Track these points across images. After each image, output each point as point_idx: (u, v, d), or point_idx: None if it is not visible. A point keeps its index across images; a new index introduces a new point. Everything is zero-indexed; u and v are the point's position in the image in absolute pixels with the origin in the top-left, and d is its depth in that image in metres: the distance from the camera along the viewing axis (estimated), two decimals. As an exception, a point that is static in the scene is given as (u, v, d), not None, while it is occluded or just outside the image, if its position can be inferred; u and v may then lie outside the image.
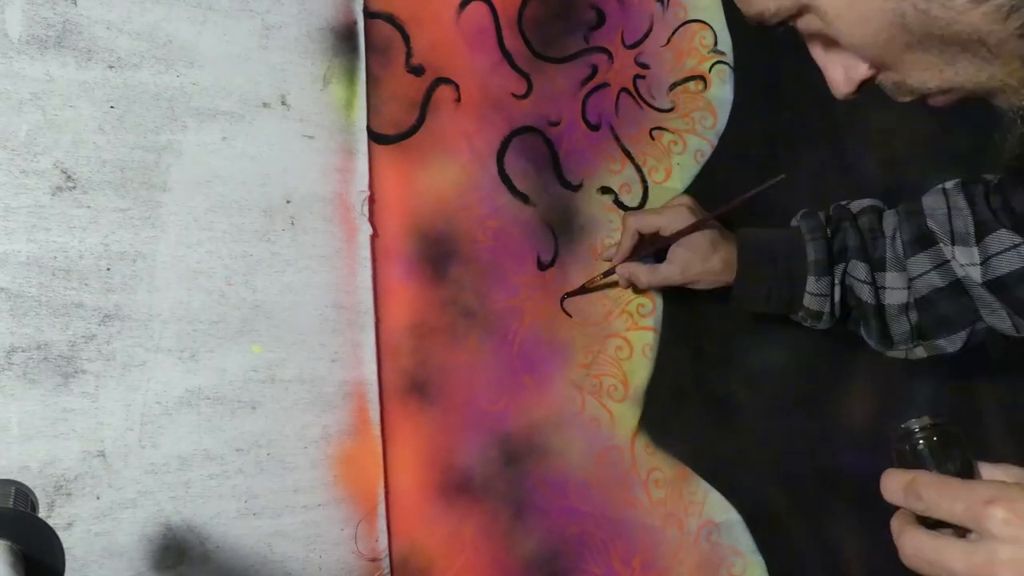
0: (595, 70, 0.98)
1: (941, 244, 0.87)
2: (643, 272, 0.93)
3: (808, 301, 0.92)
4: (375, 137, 0.84)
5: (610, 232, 0.98)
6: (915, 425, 0.63)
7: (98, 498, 0.69)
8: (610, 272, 0.95)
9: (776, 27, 0.60)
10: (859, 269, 0.92)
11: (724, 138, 1.06)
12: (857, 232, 0.93)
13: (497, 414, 0.89)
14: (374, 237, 0.83)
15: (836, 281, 0.92)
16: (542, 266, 0.93)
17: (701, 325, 1.03)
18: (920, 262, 0.89)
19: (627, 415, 0.97)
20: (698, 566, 0.99)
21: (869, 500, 1.12)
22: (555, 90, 0.95)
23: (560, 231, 0.95)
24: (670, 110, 1.03)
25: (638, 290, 0.97)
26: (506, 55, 0.92)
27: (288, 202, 0.79)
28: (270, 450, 0.77)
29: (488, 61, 0.91)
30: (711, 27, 1.06)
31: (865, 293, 0.92)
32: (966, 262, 0.85)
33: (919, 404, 1.18)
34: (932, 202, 0.90)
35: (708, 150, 1.05)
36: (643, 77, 1.01)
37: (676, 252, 0.93)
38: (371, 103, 0.84)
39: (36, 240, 0.69)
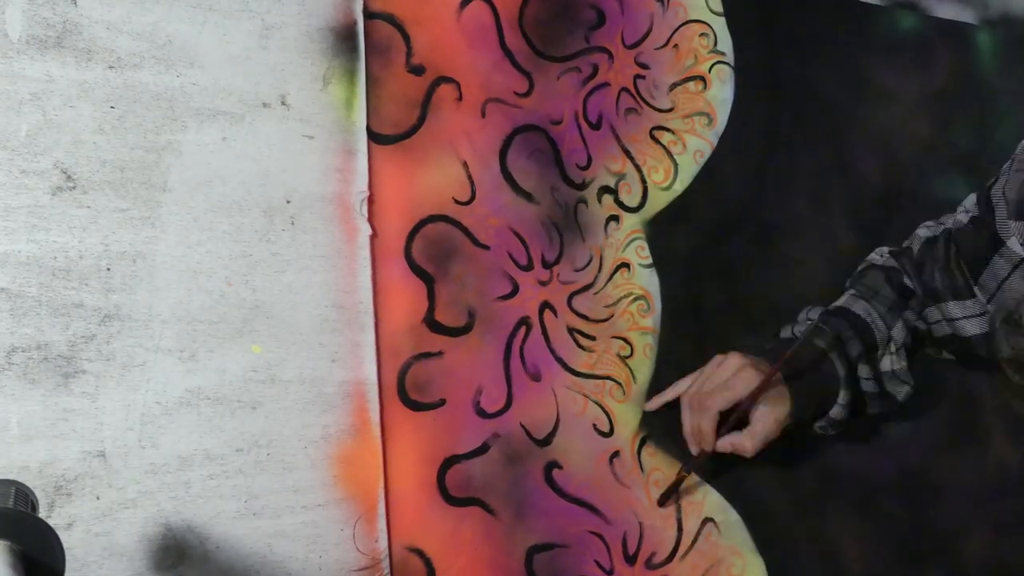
0: (596, 69, 0.98)
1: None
2: (747, 441, 0.91)
3: (835, 412, 0.98)
4: (375, 137, 0.84)
5: (612, 232, 0.98)
6: None
7: (98, 498, 0.69)
8: (697, 460, 0.93)
9: None
10: (864, 370, 1.00)
11: (724, 138, 1.06)
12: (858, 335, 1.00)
13: (498, 414, 0.89)
14: (373, 237, 0.83)
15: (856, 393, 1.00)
16: (546, 264, 0.93)
17: (701, 325, 1.03)
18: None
19: (629, 416, 0.97)
20: (698, 566, 0.99)
21: (869, 500, 1.12)
22: (556, 89, 0.95)
23: (565, 229, 0.95)
24: (670, 110, 1.02)
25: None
26: (507, 54, 0.92)
27: (288, 202, 0.79)
28: (270, 450, 0.77)
29: (489, 60, 0.91)
30: (711, 27, 1.06)
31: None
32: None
33: (919, 405, 1.18)
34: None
35: (708, 150, 1.05)
36: (643, 77, 1.01)
37: (759, 412, 0.92)
38: (371, 103, 0.84)
39: (36, 240, 0.69)
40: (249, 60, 0.78)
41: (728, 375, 0.92)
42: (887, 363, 1.00)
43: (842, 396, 0.97)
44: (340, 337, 0.81)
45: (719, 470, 0.99)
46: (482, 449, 0.87)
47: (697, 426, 0.92)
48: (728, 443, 0.92)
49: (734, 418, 0.91)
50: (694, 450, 0.94)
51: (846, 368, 0.97)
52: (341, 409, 0.80)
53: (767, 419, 0.92)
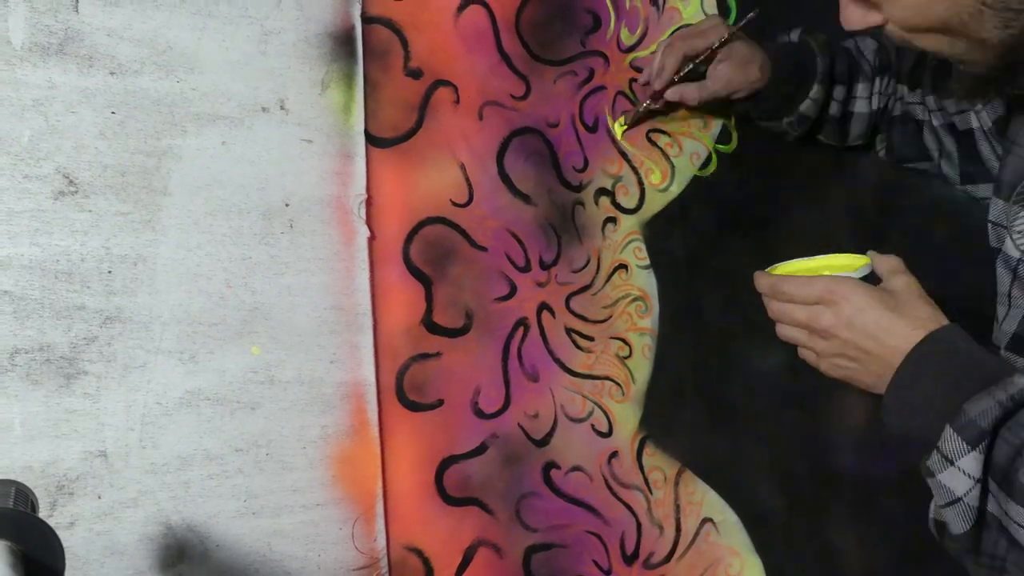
0: (592, 73, 0.98)
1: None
2: (692, 91, 0.97)
3: (805, 106, 1.02)
4: (373, 140, 0.85)
5: (609, 234, 0.98)
6: None
7: (99, 498, 0.70)
8: (658, 97, 0.98)
9: None
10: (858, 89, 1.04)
11: (719, 140, 1.07)
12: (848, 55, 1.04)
13: (496, 414, 0.89)
14: (371, 239, 0.84)
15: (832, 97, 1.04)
16: (544, 266, 0.94)
17: (700, 325, 1.03)
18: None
19: (628, 416, 0.97)
20: (695, 566, 0.99)
21: (867, 500, 1.12)
22: (553, 92, 0.96)
23: (562, 230, 0.95)
24: (666, 113, 1.03)
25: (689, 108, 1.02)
26: (504, 57, 0.93)
27: (287, 205, 0.80)
28: (269, 450, 0.78)
29: (486, 63, 0.92)
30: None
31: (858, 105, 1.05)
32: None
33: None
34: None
35: (704, 152, 1.06)
36: (638, 80, 1.01)
37: (718, 70, 0.97)
38: (369, 107, 0.85)
39: (39, 244, 0.70)
40: (248, 65, 0.79)
41: (705, 27, 0.97)
42: (862, 97, 1.04)
43: (815, 90, 1.00)
44: (339, 338, 0.82)
45: (718, 468, 0.99)
46: (480, 449, 0.88)
47: (661, 63, 0.96)
48: (678, 92, 0.97)
49: (692, 64, 0.96)
50: (652, 83, 0.98)
51: (826, 67, 1.00)
52: (340, 410, 0.81)
53: (720, 78, 0.97)
